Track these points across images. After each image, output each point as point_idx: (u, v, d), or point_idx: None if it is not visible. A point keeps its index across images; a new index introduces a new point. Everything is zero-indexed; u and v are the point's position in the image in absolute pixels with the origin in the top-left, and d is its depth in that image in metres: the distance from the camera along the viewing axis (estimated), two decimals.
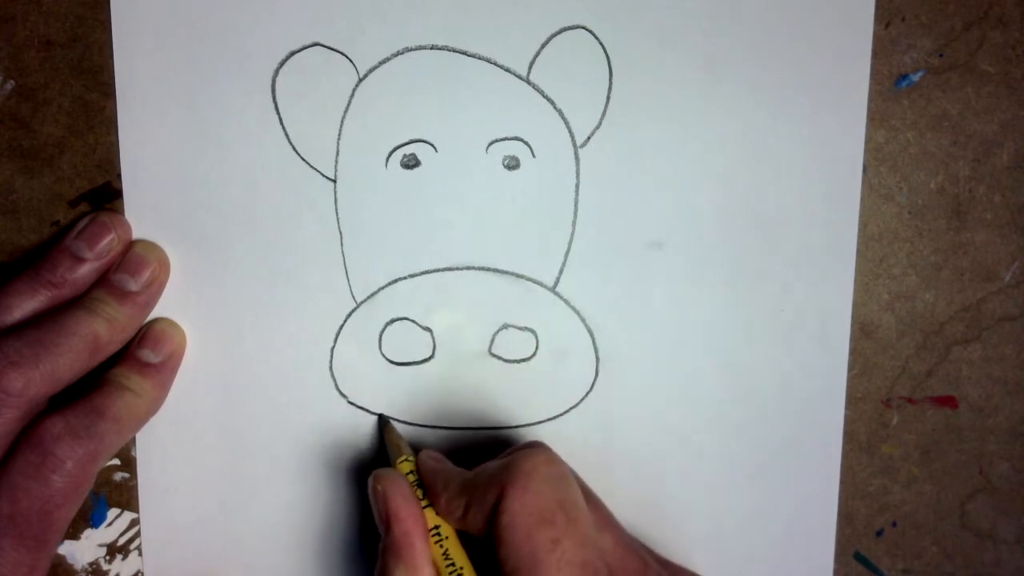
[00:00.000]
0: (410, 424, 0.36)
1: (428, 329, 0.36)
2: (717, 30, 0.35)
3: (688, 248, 0.36)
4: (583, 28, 0.34)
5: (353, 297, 0.36)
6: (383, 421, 0.36)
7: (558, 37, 0.34)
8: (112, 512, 0.36)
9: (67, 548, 0.37)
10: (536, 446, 0.32)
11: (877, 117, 0.36)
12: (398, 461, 0.33)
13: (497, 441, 0.36)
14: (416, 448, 0.35)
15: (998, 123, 0.36)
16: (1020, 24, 0.35)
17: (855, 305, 0.36)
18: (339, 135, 0.35)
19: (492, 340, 0.36)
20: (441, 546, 0.31)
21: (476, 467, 0.32)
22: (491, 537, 0.29)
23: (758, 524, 0.37)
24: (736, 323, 0.36)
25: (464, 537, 0.31)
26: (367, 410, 0.36)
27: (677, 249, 0.36)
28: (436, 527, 0.31)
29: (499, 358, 0.36)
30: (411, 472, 0.33)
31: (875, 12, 0.35)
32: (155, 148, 0.34)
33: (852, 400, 0.37)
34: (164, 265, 0.35)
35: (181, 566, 0.37)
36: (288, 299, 0.35)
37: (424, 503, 0.32)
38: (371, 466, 0.36)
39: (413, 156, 0.35)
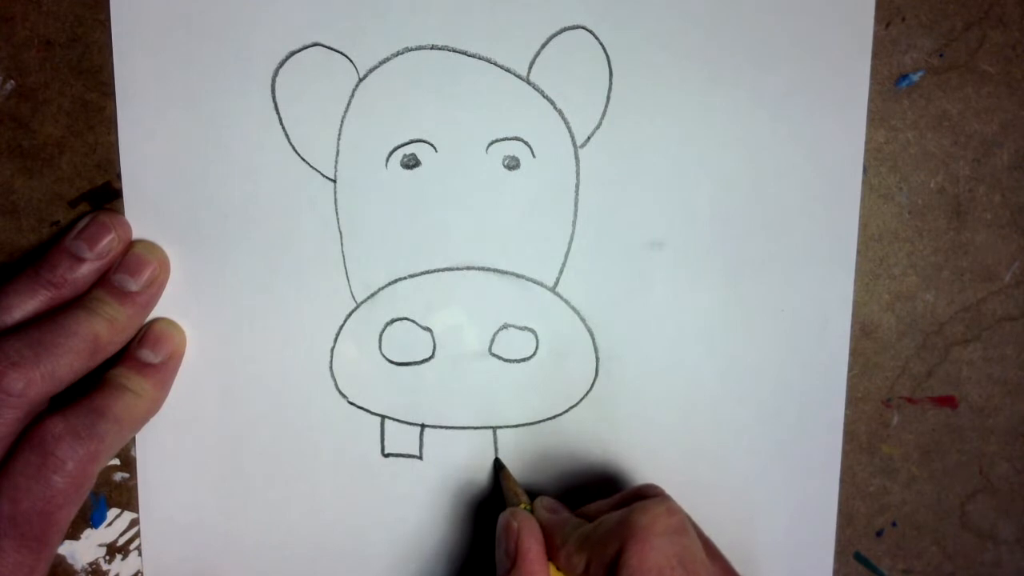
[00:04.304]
0: (410, 424, 0.36)
1: (428, 329, 0.36)
2: (717, 30, 0.35)
3: (688, 248, 0.36)
4: (583, 28, 0.34)
5: (353, 297, 0.36)
6: (499, 466, 0.36)
7: (558, 37, 0.34)
8: (112, 512, 0.36)
9: (67, 548, 0.37)
10: (654, 494, 0.32)
11: (877, 117, 0.36)
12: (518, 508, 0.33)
13: (498, 441, 0.36)
14: (531, 494, 0.35)
15: (998, 123, 0.36)
16: (1020, 24, 0.35)
17: (855, 305, 0.36)
18: (339, 135, 0.35)
19: (492, 340, 0.36)
20: None
21: (593, 514, 0.32)
22: None
23: (758, 524, 0.37)
24: (736, 323, 0.36)
25: None
26: (367, 410, 0.36)
27: (677, 249, 0.36)
28: None
29: (499, 358, 0.36)
30: None
31: (875, 12, 0.35)
32: (155, 148, 0.34)
33: (852, 400, 0.37)
34: (164, 265, 0.35)
35: (181, 566, 0.37)
36: (288, 299, 0.35)
37: None
38: (371, 466, 0.36)
39: (413, 156, 0.35)
